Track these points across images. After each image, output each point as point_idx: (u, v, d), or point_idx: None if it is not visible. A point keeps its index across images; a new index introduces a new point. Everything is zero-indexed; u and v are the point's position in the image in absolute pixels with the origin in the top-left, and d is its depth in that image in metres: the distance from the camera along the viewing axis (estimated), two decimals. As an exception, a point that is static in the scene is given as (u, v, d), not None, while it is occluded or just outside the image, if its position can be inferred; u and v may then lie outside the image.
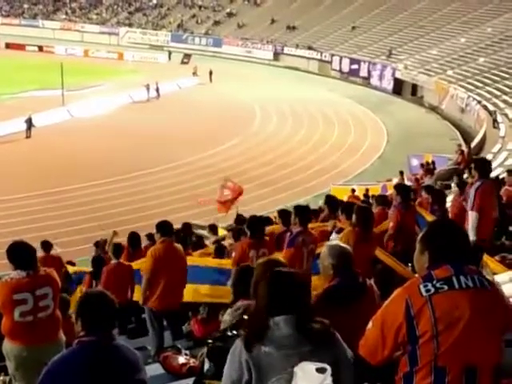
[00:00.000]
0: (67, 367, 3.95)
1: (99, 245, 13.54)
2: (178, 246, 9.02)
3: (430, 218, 9.00)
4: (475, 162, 9.03)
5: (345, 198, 21.13)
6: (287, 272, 3.51)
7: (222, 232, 14.82)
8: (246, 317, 3.95)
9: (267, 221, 12.53)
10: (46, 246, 11.96)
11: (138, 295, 10.36)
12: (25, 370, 5.97)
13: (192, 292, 9.10)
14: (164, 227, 8.70)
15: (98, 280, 10.43)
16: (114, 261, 10.18)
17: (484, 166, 8.32)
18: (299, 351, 3.17)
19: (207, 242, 13.30)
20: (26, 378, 5.93)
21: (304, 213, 8.32)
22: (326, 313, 4.43)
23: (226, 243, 11.63)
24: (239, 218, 13.52)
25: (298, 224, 8.14)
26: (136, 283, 10.08)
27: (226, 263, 9.33)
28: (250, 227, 8.38)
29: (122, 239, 12.66)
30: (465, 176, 15.73)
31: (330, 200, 10.94)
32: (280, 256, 8.32)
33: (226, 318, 5.05)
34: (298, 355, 3.16)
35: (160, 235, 8.66)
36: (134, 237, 11.65)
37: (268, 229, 10.28)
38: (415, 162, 27.19)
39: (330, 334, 3.35)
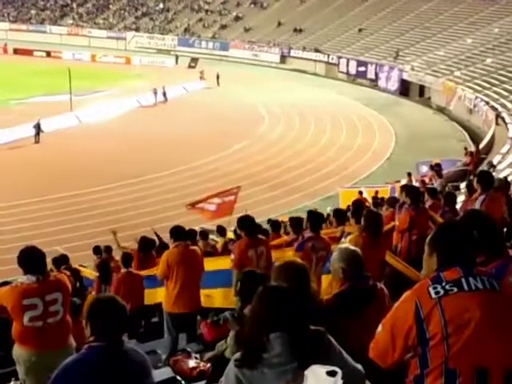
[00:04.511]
0: (76, 372, 3.95)
1: (101, 251, 13.58)
2: (195, 248, 9.07)
3: (439, 220, 8.94)
4: (477, 176, 8.97)
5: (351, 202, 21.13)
6: (278, 288, 3.48)
7: (231, 235, 14.80)
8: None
9: (276, 224, 12.54)
10: (58, 262, 12.02)
11: (148, 298, 10.44)
12: (34, 375, 5.98)
13: (203, 298, 9.10)
14: (177, 232, 8.76)
15: (107, 283, 10.46)
16: (123, 270, 10.21)
17: (486, 180, 8.28)
18: (291, 367, 3.15)
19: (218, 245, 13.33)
20: (36, 383, 5.95)
21: (316, 219, 8.32)
22: (337, 318, 4.45)
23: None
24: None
25: (308, 229, 8.12)
26: (152, 287, 10.15)
27: (221, 264, 9.36)
28: (243, 227, 8.39)
29: (131, 243, 12.73)
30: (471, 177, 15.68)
31: (338, 213, 10.88)
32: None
33: (234, 324, 5.07)
34: (291, 371, 3.14)
35: (173, 240, 8.71)
36: (144, 241, 11.76)
37: (277, 241, 10.26)
38: (424, 169, 26.97)
39: (324, 347, 3.34)
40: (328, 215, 14.55)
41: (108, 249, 13.39)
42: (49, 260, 11.31)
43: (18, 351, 6.09)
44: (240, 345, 4.51)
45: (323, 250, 7.97)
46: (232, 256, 8.52)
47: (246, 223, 8.43)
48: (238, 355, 3.35)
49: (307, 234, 8.13)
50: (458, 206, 11.34)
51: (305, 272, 4.42)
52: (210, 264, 9.42)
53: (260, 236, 8.57)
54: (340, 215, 10.45)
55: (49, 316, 6.00)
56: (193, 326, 8.94)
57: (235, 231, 11.44)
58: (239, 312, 5.18)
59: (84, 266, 14.22)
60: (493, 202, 7.82)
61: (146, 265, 11.19)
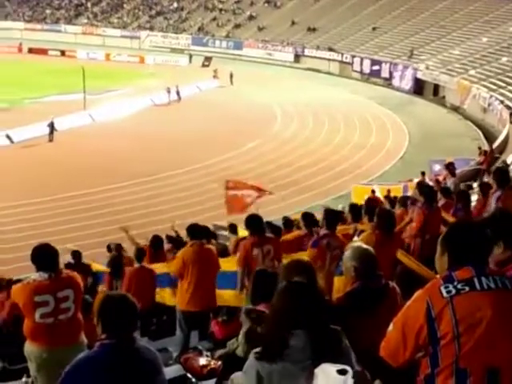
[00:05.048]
0: (88, 369, 3.97)
1: (111, 248, 13.63)
2: (211, 247, 9.07)
3: (451, 220, 8.90)
4: (493, 172, 8.96)
5: (365, 199, 21.08)
6: (301, 284, 3.48)
7: (242, 232, 14.78)
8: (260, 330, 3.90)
9: (289, 222, 12.49)
10: (75, 255, 12.11)
11: (163, 298, 10.46)
12: (46, 371, 6.01)
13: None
14: (193, 230, 8.76)
15: (118, 279, 10.49)
16: (136, 264, 10.24)
17: (501, 176, 8.24)
18: (310, 364, 3.16)
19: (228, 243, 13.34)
20: (47, 379, 5.97)
21: (332, 216, 8.29)
22: (349, 317, 4.43)
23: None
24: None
25: (324, 227, 8.09)
26: (163, 286, 10.17)
27: (228, 265, 9.31)
28: (250, 226, 8.38)
29: (143, 241, 12.77)
30: (485, 179, 15.56)
31: (354, 209, 10.84)
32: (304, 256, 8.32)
33: (246, 322, 5.05)
34: (310, 368, 3.15)
35: (190, 238, 8.71)
36: (156, 239, 11.87)
37: (289, 236, 10.24)
38: (437, 168, 26.77)
39: (340, 346, 3.33)
40: (341, 212, 14.49)
41: (119, 247, 13.45)
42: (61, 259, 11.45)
43: (30, 348, 6.13)
44: (250, 341, 4.50)
45: (338, 248, 7.93)
46: (238, 254, 8.52)
47: (253, 222, 8.41)
48: (258, 349, 3.35)
49: (323, 231, 8.10)
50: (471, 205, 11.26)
51: (311, 270, 4.41)
52: (223, 264, 9.43)
53: (268, 235, 8.54)
54: (355, 211, 10.42)
55: (60, 313, 6.03)
56: (205, 324, 8.94)
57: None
58: (252, 309, 5.18)
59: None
60: (509, 199, 7.75)
61: (156, 262, 11.25)
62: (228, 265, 9.54)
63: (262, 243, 8.17)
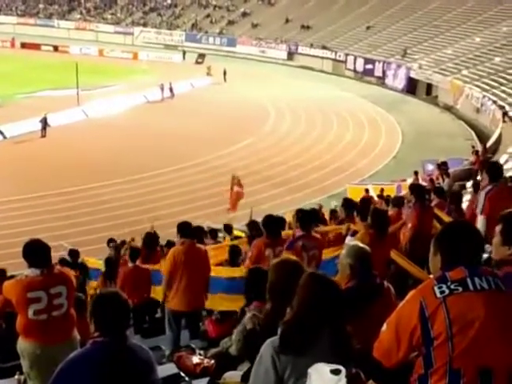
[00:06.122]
0: (80, 366, 3.98)
1: (113, 244, 13.58)
2: (201, 246, 9.02)
3: (447, 219, 8.91)
4: (486, 165, 8.91)
5: (358, 198, 21.10)
6: (329, 280, 3.49)
7: (237, 233, 14.80)
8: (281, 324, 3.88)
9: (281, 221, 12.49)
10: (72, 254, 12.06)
11: (155, 295, 10.43)
12: (39, 368, 6.00)
13: (215, 300, 9.02)
14: (184, 228, 8.69)
15: (112, 280, 10.45)
16: (130, 264, 10.18)
17: (495, 170, 8.18)
18: (328, 361, 3.15)
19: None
20: (40, 376, 5.96)
21: (306, 217, 8.22)
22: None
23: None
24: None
25: (299, 228, 8.05)
26: (155, 284, 10.14)
27: (238, 272, 9.25)
28: (266, 226, 8.31)
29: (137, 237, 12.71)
30: (478, 177, 15.59)
31: (347, 203, 10.81)
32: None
33: (246, 322, 5.05)
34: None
35: (180, 236, 8.65)
36: (149, 238, 11.68)
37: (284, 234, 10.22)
38: (430, 168, 26.79)
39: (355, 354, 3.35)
40: (333, 211, 14.51)
41: (112, 240, 13.40)
42: (54, 254, 11.41)
43: (23, 344, 6.12)
44: (249, 343, 4.49)
45: (315, 248, 7.88)
46: (249, 253, 8.49)
47: (269, 223, 8.31)
48: (277, 340, 3.34)
49: (298, 232, 8.06)
50: (464, 205, 11.30)
51: (301, 268, 4.41)
52: (227, 271, 9.37)
53: (282, 236, 8.50)
54: (349, 205, 10.38)
55: (53, 309, 6.03)
56: (196, 323, 8.92)
57: (248, 225, 11.33)
58: (245, 308, 5.18)
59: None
60: (498, 194, 7.70)
61: (150, 262, 11.15)
62: (226, 271, 9.48)
63: (275, 244, 8.07)
